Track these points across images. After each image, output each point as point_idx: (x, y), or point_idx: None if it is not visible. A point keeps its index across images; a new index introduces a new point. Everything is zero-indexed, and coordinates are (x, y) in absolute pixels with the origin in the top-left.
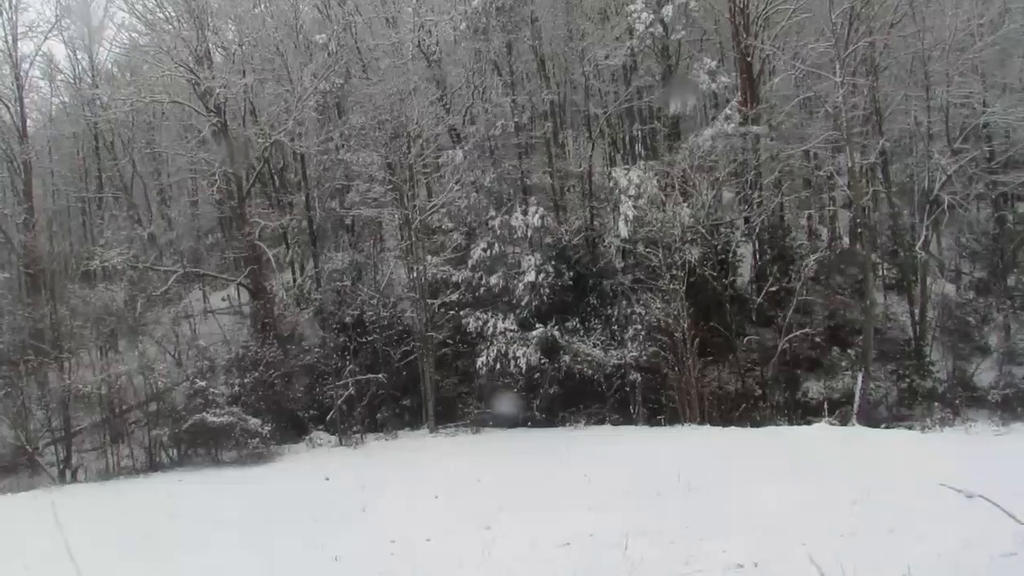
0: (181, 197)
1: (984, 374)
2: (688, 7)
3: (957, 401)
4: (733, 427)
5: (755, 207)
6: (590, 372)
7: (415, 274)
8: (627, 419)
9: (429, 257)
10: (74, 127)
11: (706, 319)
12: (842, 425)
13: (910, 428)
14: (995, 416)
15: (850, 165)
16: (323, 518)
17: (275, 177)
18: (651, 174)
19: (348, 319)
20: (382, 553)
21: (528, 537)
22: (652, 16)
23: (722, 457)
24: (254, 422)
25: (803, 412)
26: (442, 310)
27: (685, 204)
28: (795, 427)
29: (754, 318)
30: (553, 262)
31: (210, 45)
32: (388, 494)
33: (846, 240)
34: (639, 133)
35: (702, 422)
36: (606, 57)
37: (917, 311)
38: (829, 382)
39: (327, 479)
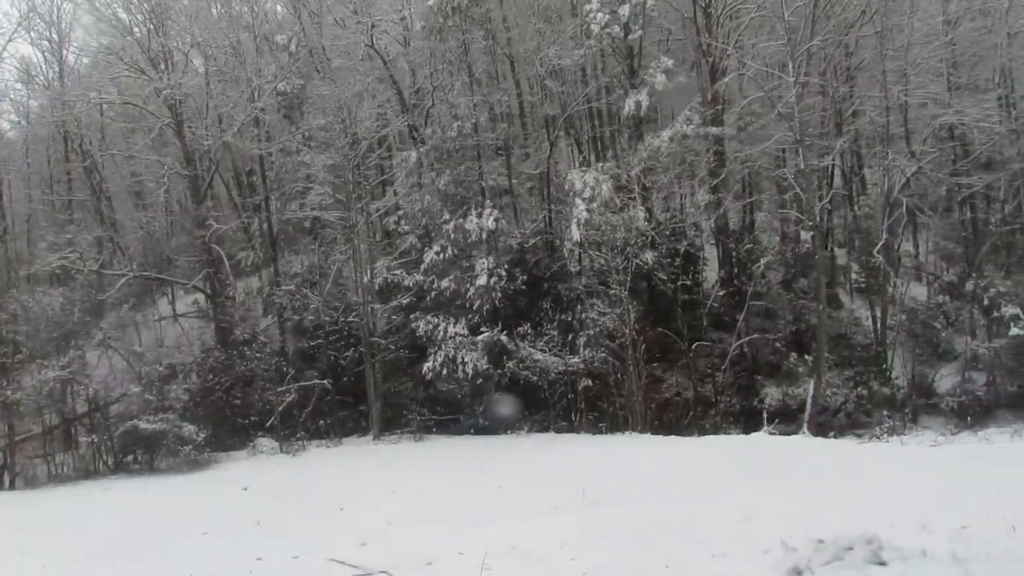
0: (148, 201)
1: (946, 380)
2: (646, 6)
3: (907, 409)
4: (674, 436)
5: (715, 209)
6: (535, 378)
7: (359, 278)
8: (573, 426)
9: (382, 260)
10: (45, 130)
11: (663, 324)
12: (784, 435)
13: (860, 437)
14: (950, 424)
15: (802, 167)
16: (214, 531)
17: (238, 179)
18: (604, 176)
19: (306, 324)
20: (241, 571)
21: (399, 555)
22: (608, 17)
23: (640, 469)
24: (189, 429)
25: (760, 419)
26: (387, 315)
27: (641, 207)
28: (734, 436)
29: (706, 323)
30: (507, 266)
31: (172, 47)
32: (295, 505)
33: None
34: (601, 134)
35: (644, 430)
36: (559, 59)
37: (879, 315)
38: (788, 388)
39: (245, 488)
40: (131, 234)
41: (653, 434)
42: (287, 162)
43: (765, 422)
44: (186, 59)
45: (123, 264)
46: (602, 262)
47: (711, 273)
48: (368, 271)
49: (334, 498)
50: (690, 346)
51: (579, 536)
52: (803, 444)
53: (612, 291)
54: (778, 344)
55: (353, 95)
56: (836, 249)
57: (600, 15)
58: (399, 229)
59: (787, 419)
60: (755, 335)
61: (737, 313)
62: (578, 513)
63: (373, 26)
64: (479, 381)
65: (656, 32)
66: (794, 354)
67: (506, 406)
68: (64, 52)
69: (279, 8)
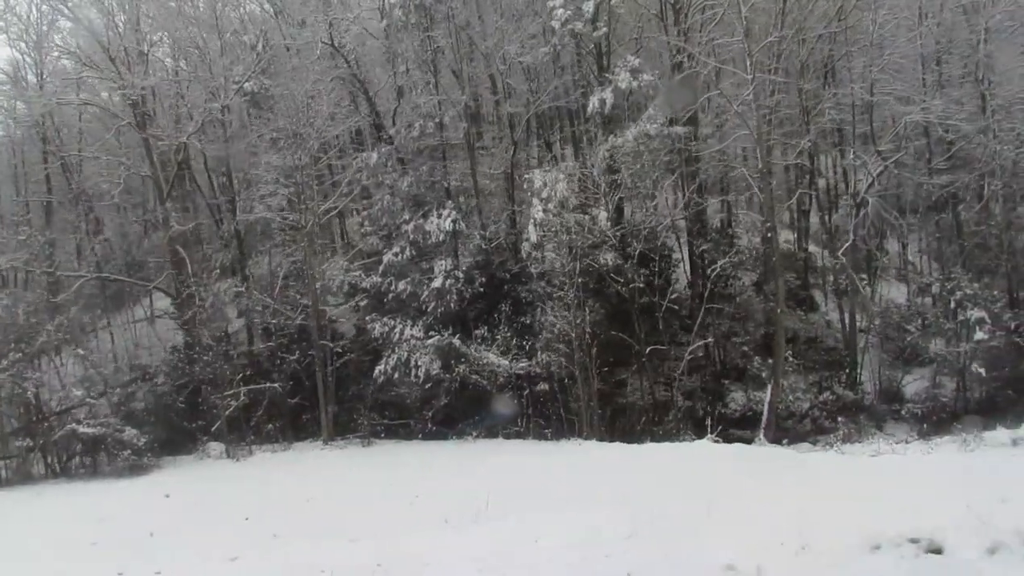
0: (124, 201)
1: (916, 385)
2: (611, 2)
3: (859, 416)
4: (619, 443)
5: (684, 209)
6: (484, 383)
7: (309, 280)
8: (522, 432)
9: (341, 262)
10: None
11: (627, 327)
12: (742, 442)
13: (815, 444)
14: (914, 431)
15: (760, 166)
16: (103, 542)
17: (209, 179)
18: (562, 176)
19: (271, 326)
20: None
21: (255, 572)
22: (569, 13)
23: (557, 480)
24: (130, 433)
25: (726, 424)
26: (344, 318)
27: (602, 207)
28: (676, 444)
29: (677, 326)
30: (465, 268)
31: (133, 46)
32: (202, 516)
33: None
34: (565, 134)
35: (591, 436)
36: (519, 56)
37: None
38: (753, 393)
39: (167, 496)
40: (115, 235)
41: (600, 440)
42: (255, 162)
43: (709, 430)
44: (146, 59)
45: (88, 266)
46: (558, 264)
47: (689, 276)
48: (318, 273)
49: (246, 508)
50: (645, 350)
51: (439, 554)
52: (727, 454)
53: (562, 294)
54: (746, 348)
55: (310, 94)
56: (821, 250)
57: (561, 11)
58: (363, 230)
59: (751, 425)
60: (709, 339)
61: (707, 316)
62: (467, 527)
63: (331, 24)
64: (428, 385)
65: (626, 30)
66: (758, 358)
67: (456, 411)
68: (41, 54)
69: (248, 8)
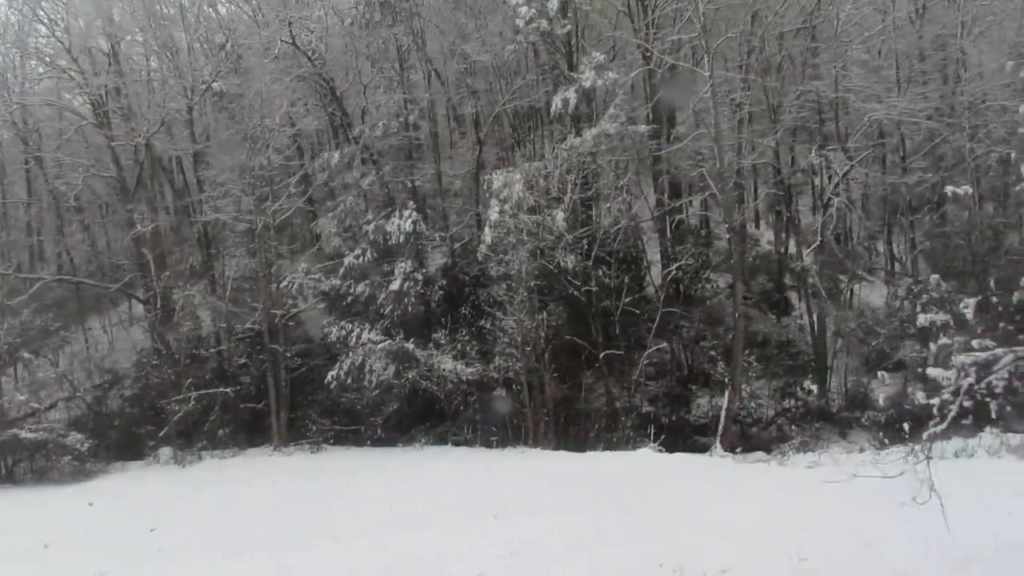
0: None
1: (888, 390)
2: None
3: (826, 424)
4: (565, 452)
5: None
6: (435, 388)
7: (261, 283)
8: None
9: (303, 264)
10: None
11: (587, 332)
12: (699, 450)
13: (770, 453)
14: (876, 439)
15: (719, 167)
16: None
17: (176, 179)
18: (519, 176)
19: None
20: None
21: None
22: (533, 12)
23: (464, 495)
24: (74, 438)
25: (690, 431)
26: (287, 322)
27: (559, 208)
28: (617, 453)
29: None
30: (424, 270)
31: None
32: (106, 527)
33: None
34: (538, 133)
35: (535, 445)
36: (480, 55)
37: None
38: (718, 399)
39: (91, 504)
40: (85, 238)
41: (545, 449)
42: (221, 163)
43: (651, 438)
44: (110, 58)
45: (50, 268)
46: (513, 267)
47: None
48: (273, 275)
49: (159, 518)
50: (599, 355)
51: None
52: (659, 465)
53: (515, 297)
54: (713, 352)
55: (265, 95)
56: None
57: (525, 9)
58: (327, 231)
59: (714, 431)
60: (664, 344)
61: (673, 320)
62: (341, 545)
63: (290, 23)
64: (375, 392)
65: (596, 28)
66: (723, 363)
67: (408, 417)
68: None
69: (219, 8)
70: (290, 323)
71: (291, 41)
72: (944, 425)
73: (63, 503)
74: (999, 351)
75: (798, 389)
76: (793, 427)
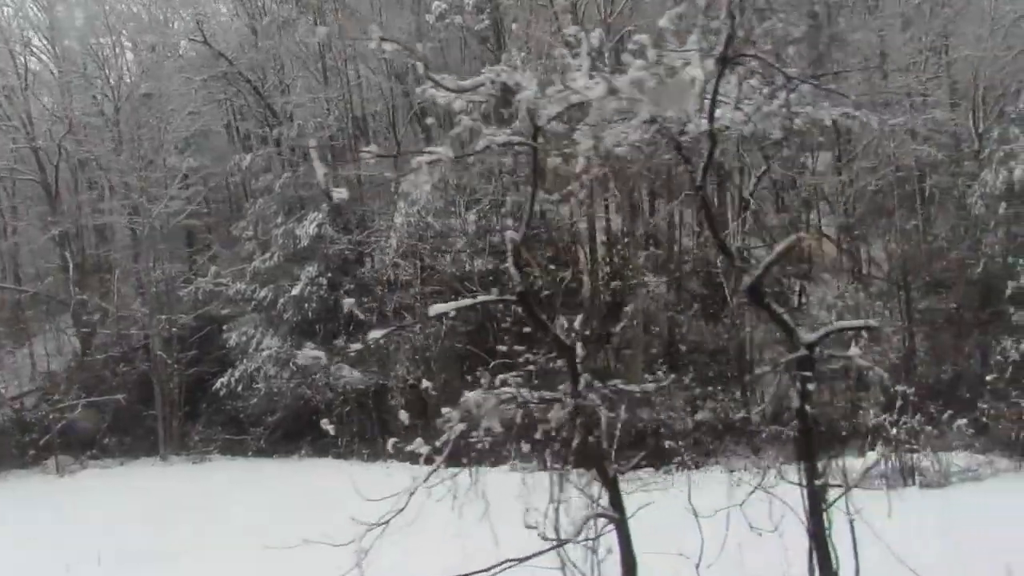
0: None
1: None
2: None
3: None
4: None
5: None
6: (317, 398)
7: (147, 288)
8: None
9: (213, 268)
10: None
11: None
12: None
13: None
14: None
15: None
16: None
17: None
18: (426, 177)
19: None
20: None
21: None
22: (445, 6)
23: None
24: None
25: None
26: (176, 328)
27: (472, 211)
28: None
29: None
30: (330, 274)
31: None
32: None
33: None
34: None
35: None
36: (391, 52)
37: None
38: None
39: None
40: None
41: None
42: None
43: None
44: (24, 59)
45: None
46: (411, 271)
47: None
48: (153, 278)
49: None
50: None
51: None
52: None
53: (410, 302)
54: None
55: (175, 94)
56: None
57: (437, 3)
58: (243, 235)
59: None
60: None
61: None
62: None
63: (199, 21)
64: (254, 400)
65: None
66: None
67: (295, 427)
68: None
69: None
70: (206, 328)
71: (202, 40)
72: None
73: None
74: None
75: (722, 400)
76: (712, 441)
